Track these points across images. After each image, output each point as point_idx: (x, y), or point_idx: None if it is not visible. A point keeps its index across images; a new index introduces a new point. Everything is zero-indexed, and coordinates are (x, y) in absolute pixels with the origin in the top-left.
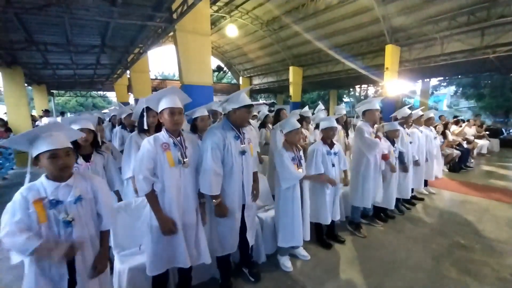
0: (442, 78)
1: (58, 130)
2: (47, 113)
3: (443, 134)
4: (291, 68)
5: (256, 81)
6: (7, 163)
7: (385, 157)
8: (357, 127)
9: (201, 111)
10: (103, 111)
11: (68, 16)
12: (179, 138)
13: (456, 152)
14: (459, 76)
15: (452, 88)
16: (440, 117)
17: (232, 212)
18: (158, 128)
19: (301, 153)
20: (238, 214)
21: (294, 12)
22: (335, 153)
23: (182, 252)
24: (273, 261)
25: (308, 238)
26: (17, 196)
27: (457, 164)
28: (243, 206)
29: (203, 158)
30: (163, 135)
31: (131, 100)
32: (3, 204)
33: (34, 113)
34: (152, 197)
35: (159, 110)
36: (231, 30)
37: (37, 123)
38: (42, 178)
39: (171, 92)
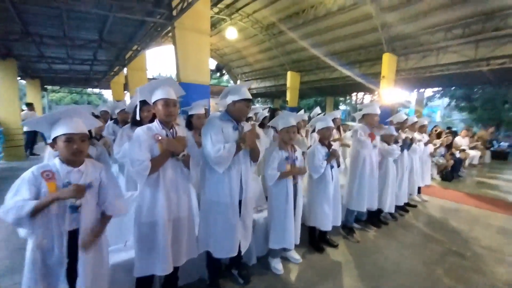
0: (437, 88)
1: (78, 116)
2: (29, 106)
3: (448, 146)
4: (289, 73)
5: (253, 85)
6: None
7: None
8: (354, 128)
9: (198, 109)
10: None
11: (65, 7)
12: (171, 130)
13: (449, 161)
14: (453, 88)
15: (446, 100)
16: (435, 127)
17: (228, 209)
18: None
19: (297, 153)
20: (236, 211)
21: (294, 18)
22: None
23: (164, 258)
24: (264, 263)
25: (297, 242)
26: (28, 174)
27: (450, 173)
28: (240, 202)
29: (204, 145)
30: (155, 126)
31: (127, 98)
32: None
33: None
34: (153, 160)
35: (152, 101)
36: (231, 33)
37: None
38: (56, 160)
39: (166, 83)
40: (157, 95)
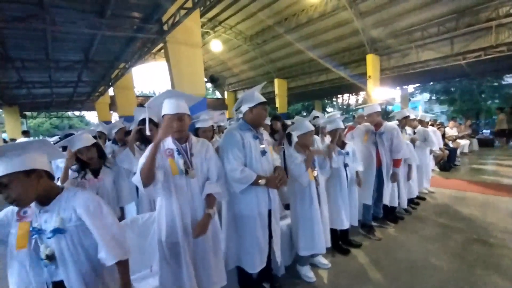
0: (419, 84)
1: (13, 150)
2: (26, 134)
3: (442, 137)
4: (276, 80)
5: (241, 94)
6: None
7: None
8: (358, 127)
9: (204, 122)
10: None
11: (51, 29)
12: (185, 144)
13: (445, 152)
14: (433, 83)
15: (426, 95)
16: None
17: (256, 221)
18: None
19: (315, 156)
20: (264, 222)
21: (277, 26)
22: (347, 153)
23: (188, 277)
24: (292, 272)
25: (329, 244)
26: (7, 209)
27: (447, 163)
28: (269, 212)
29: (223, 162)
30: (168, 140)
31: (115, 118)
32: None
33: (5, 137)
34: (146, 157)
35: (161, 115)
36: (216, 46)
37: None
38: None
39: (170, 95)
40: (164, 109)
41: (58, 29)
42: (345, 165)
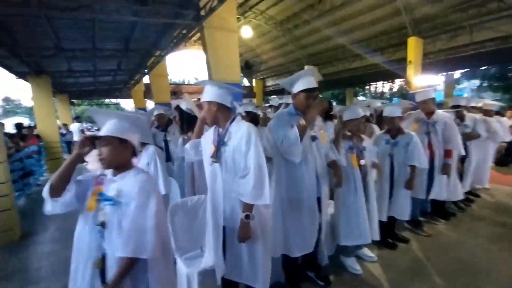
0: (467, 69)
1: (117, 118)
2: (77, 119)
3: None
4: (306, 67)
5: (269, 82)
6: (39, 169)
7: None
8: (412, 115)
9: (243, 108)
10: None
11: (99, 18)
12: (220, 130)
13: (502, 145)
14: (487, 67)
15: (474, 81)
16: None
17: (306, 205)
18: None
19: (365, 143)
20: (312, 208)
21: (309, 10)
22: (395, 143)
23: (216, 260)
24: (336, 263)
25: (377, 237)
26: (93, 171)
27: (505, 157)
28: (318, 200)
29: (276, 141)
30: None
31: (150, 105)
32: (40, 211)
33: (59, 123)
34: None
35: None
36: (246, 32)
37: (60, 131)
38: None
39: (203, 84)
40: None
41: (103, 18)
42: (389, 155)
